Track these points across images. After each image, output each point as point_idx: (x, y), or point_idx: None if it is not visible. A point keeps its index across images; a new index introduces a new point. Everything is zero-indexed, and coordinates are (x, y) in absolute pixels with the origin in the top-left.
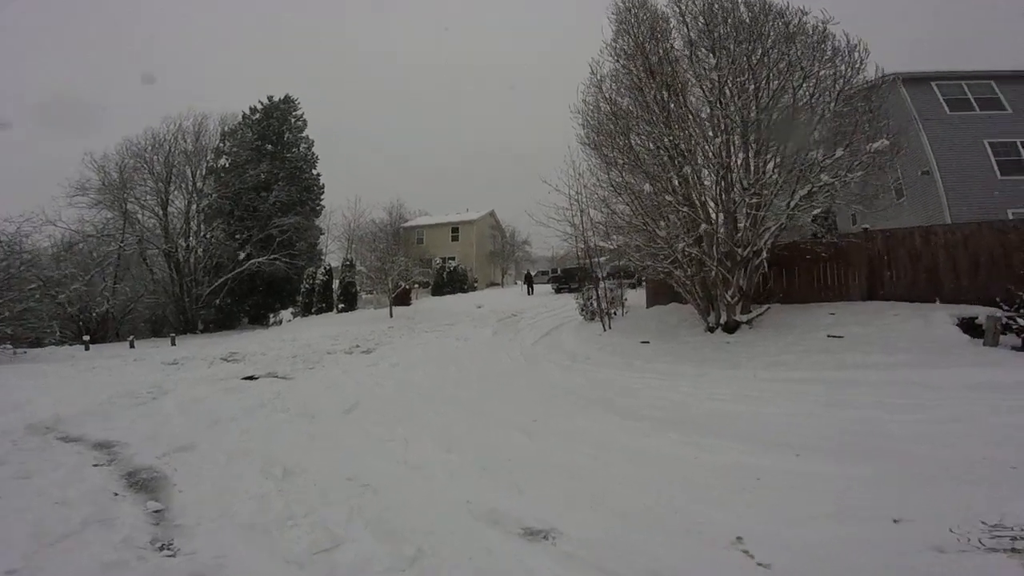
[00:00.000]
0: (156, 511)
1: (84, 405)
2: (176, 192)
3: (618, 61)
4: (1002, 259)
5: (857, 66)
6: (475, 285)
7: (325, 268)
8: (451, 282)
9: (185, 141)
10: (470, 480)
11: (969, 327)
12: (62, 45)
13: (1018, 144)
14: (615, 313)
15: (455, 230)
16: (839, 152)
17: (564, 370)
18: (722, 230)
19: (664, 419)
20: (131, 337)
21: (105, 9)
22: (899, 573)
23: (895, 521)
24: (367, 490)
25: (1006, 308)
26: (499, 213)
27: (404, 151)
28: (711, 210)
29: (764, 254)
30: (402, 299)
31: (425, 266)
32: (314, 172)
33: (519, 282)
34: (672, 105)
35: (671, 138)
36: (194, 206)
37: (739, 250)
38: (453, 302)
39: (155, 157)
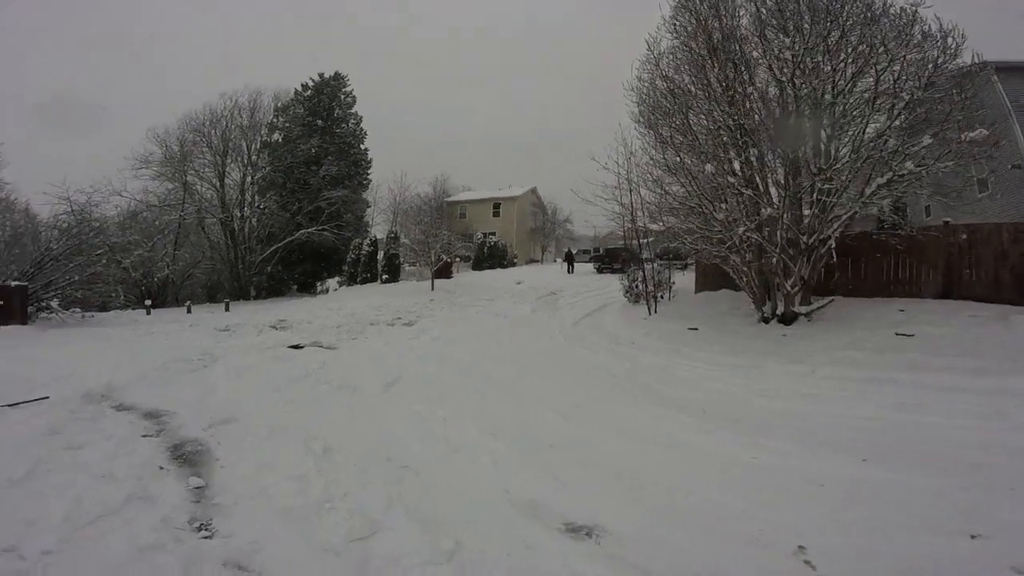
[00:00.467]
0: (197, 487)
1: (140, 371)
2: (232, 165)
3: (677, 38)
4: None
5: (951, 51)
6: (515, 261)
7: (371, 240)
8: (491, 257)
9: (241, 116)
10: (510, 466)
11: None
12: (62, 45)
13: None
14: (661, 297)
15: (497, 206)
16: (926, 140)
17: (607, 353)
18: (787, 216)
19: (717, 414)
20: (188, 302)
21: (105, 9)
22: None
23: (972, 537)
24: (407, 472)
25: None
26: (541, 190)
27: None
28: (774, 195)
29: (831, 243)
30: (443, 272)
31: (467, 240)
32: (362, 147)
33: (558, 260)
34: (737, 84)
35: (735, 118)
36: (249, 178)
37: (804, 238)
38: (493, 277)
39: (213, 131)
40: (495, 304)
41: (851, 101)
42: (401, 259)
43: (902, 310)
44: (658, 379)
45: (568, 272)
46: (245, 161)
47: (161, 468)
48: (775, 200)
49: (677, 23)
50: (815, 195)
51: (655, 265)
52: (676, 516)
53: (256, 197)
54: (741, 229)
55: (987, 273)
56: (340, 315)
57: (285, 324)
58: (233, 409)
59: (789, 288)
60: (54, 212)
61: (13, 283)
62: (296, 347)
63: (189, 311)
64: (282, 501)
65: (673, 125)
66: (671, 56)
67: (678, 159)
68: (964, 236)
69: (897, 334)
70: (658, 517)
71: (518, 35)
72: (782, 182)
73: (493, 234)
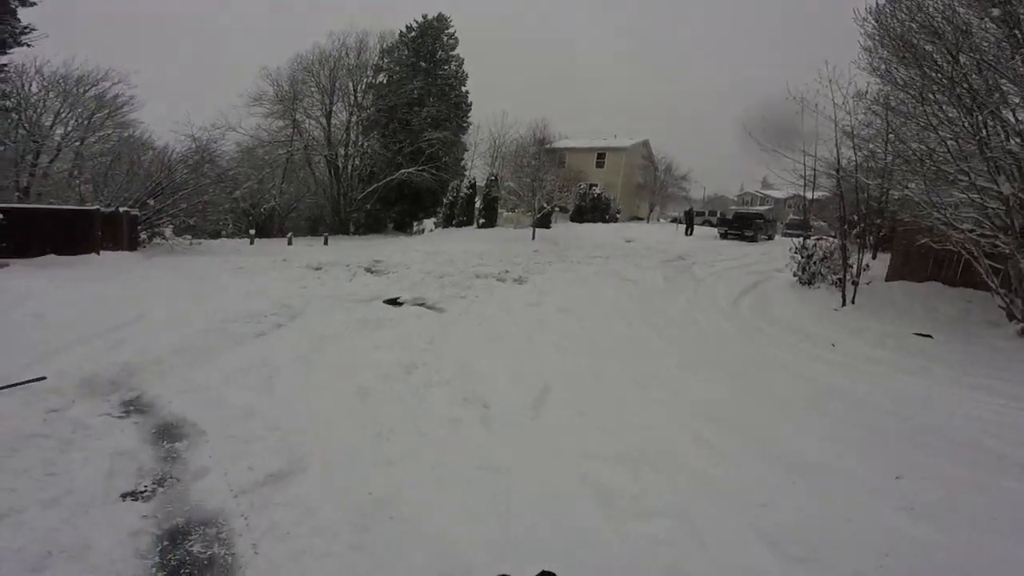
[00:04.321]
0: None
1: (189, 334)
2: (339, 104)
3: None
4: None
5: None
6: (617, 216)
7: (469, 182)
8: (593, 210)
9: (348, 57)
10: None
11: None
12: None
13: None
14: (855, 283)
15: (601, 156)
16: None
17: (816, 360)
18: None
19: None
20: (290, 234)
21: None
22: None
23: None
24: None
25: None
26: (654, 144)
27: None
28: None
29: None
30: (543, 222)
31: (565, 190)
32: (463, 89)
33: (662, 220)
34: None
35: None
36: (354, 118)
37: None
38: (597, 232)
39: (322, 71)
40: (612, 264)
41: None
42: (500, 204)
43: None
44: (962, 422)
45: (687, 234)
46: (351, 101)
47: None
48: None
49: None
50: None
51: (833, 237)
52: None
53: (360, 137)
54: None
55: None
56: (440, 261)
57: (381, 267)
58: (293, 442)
59: None
60: (179, 150)
61: (122, 209)
62: (394, 302)
63: (290, 243)
64: None
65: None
66: None
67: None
68: None
69: None
70: None
71: None
72: None
73: (595, 186)
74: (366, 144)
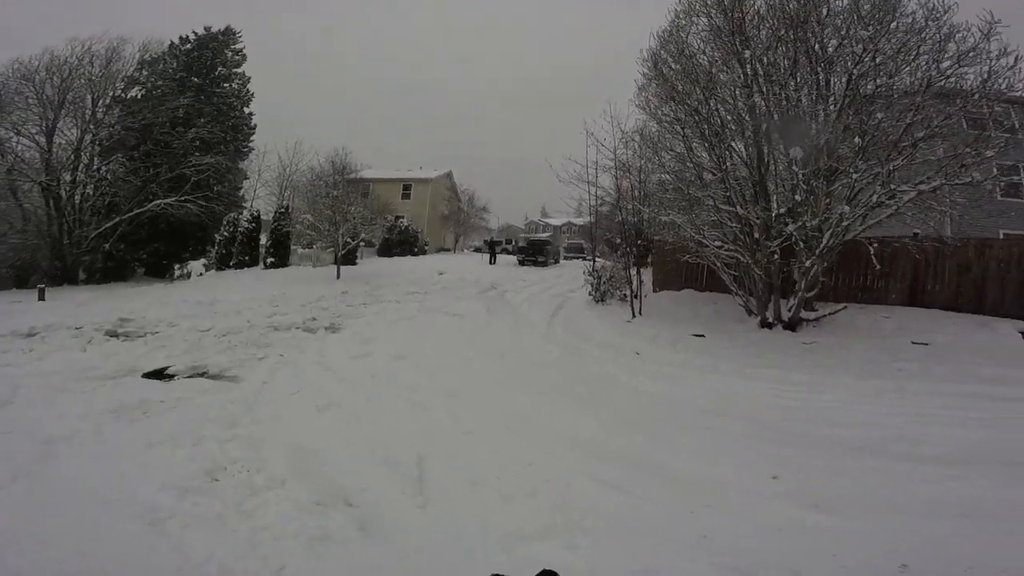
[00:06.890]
0: None
1: None
2: (68, 119)
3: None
4: None
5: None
6: (425, 249)
7: (251, 214)
8: (401, 243)
9: (92, 66)
10: None
11: None
12: None
13: (1020, 167)
14: (635, 297)
15: (407, 187)
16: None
17: (637, 373)
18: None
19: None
20: None
21: None
22: None
23: None
24: None
25: None
26: (457, 176)
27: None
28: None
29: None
30: (348, 258)
31: (370, 224)
32: (245, 111)
33: (467, 250)
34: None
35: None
36: (88, 136)
37: (830, 240)
38: (407, 265)
39: (49, 80)
40: (431, 299)
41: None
42: (293, 240)
43: (887, 317)
44: (774, 412)
45: (491, 263)
46: (87, 117)
47: None
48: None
49: None
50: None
51: (618, 260)
52: None
53: (96, 160)
54: (791, 227)
55: (950, 283)
56: (220, 313)
57: (131, 327)
58: None
59: (804, 292)
60: None
61: None
62: (160, 375)
63: None
64: None
65: (695, 110)
66: (701, 33)
67: (709, 152)
68: (932, 248)
69: (913, 343)
70: None
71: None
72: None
73: (402, 218)
74: (105, 169)
